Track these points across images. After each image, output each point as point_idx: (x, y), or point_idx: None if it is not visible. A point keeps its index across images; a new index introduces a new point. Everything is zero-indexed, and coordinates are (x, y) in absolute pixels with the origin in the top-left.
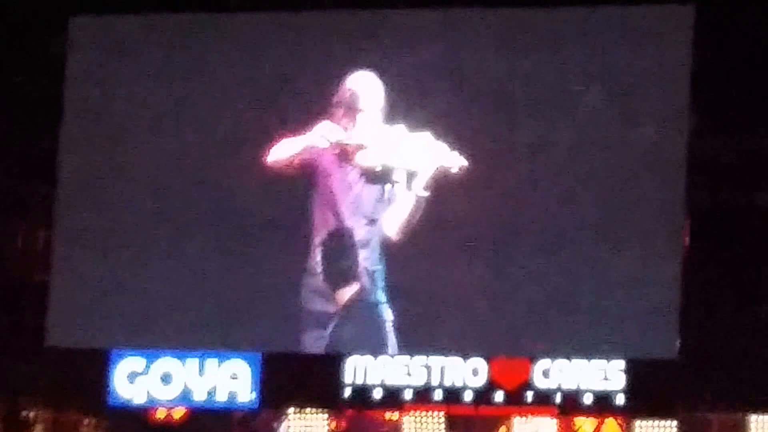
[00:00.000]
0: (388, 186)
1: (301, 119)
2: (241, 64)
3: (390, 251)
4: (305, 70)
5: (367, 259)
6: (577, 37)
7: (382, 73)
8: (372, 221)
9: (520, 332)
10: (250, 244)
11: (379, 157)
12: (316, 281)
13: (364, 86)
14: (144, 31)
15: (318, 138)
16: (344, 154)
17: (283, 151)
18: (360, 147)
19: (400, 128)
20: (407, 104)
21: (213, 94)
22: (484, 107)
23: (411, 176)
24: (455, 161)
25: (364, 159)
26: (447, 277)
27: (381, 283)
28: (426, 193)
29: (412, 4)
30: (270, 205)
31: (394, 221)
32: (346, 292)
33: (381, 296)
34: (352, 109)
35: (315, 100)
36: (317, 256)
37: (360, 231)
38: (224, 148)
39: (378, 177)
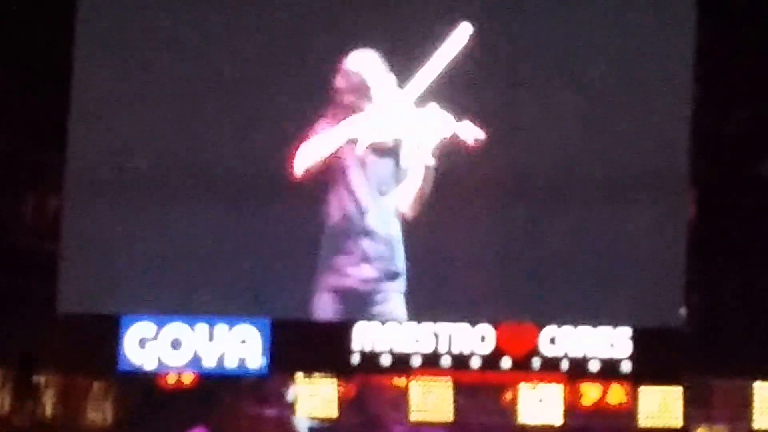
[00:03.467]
0: (399, 159)
1: (302, 103)
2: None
3: (403, 223)
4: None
5: (384, 236)
6: (579, 7)
7: (382, 50)
8: (386, 196)
9: (527, 299)
10: (261, 209)
11: (389, 131)
12: (334, 258)
13: (366, 66)
14: None
15: (348, 140)
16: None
17: (311, 159)
18: (372, 126)
19: (408, 98)
20: (412, 77)
21: (223, 56)
22: (487, 73)
23: (420, 147)
24: (466, 131)
25: (376, 137)
26: (454, 244)
27: (400, 255)
28: (433, 162)
29: None
30: (281, 170)
31: (407, 195)
32: (364, 270)
33: (400, 267)
34: (357, 93)
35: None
36: (333, 235)
37: (375, 208)
38: (236, 113)
39: (389, 151)
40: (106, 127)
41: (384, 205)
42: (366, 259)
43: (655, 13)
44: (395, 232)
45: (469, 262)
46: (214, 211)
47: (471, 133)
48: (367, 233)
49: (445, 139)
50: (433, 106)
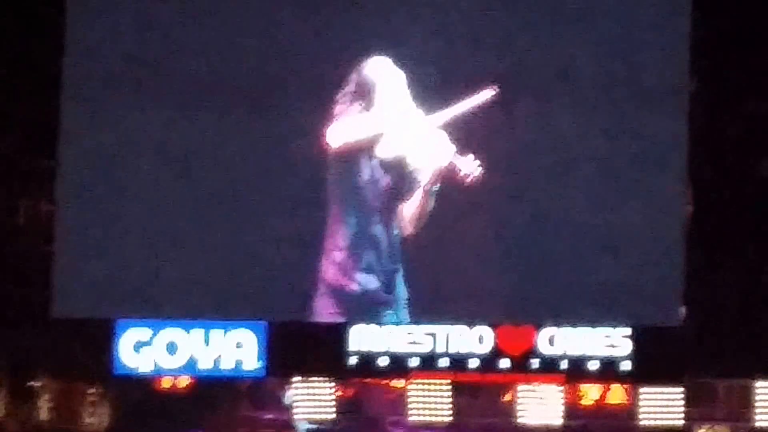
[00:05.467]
0: (402, 177)
1: (314, 102)
2: (251, 30)
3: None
4: (318, 51)
5: (388, 248)
6: (576, 7)
7: (398, 57)
8: (390, 212)
9: (525, 300)
10: (256, 212)
11: (395, 148)
12: (341, 256)
13: (381, 73)
14: None
15: (388, 122)
16: (368, 143)
17: (350, 134)
18: (379, 136)
19: (418, 116)
20: (423, 87)
21: (220, 61)
22: (488, 75)
23: (423, 169)
24: (466, 165)
25: (382, 150)
26: (453, 248)
27: (400, 274)
28: (436, 188)
29: None
30: (279, 174)
31: (407, 213)
32: (368, 279)
33: (400, 284)
34: (369, 98)
35: (329, 85)
36: (339, 238)
37: (379, 220)
38: (231, 113)
39: (393, 168)
40: (98, 132)
41: (386, 218)
42: (368, 268)
43: (650, 12)
44: (396, 243)
45: (467, 265)
46: (208, 214)
47: (470, 166)
48: (371, 243)
49: (446, 167)
50: (441, 134)
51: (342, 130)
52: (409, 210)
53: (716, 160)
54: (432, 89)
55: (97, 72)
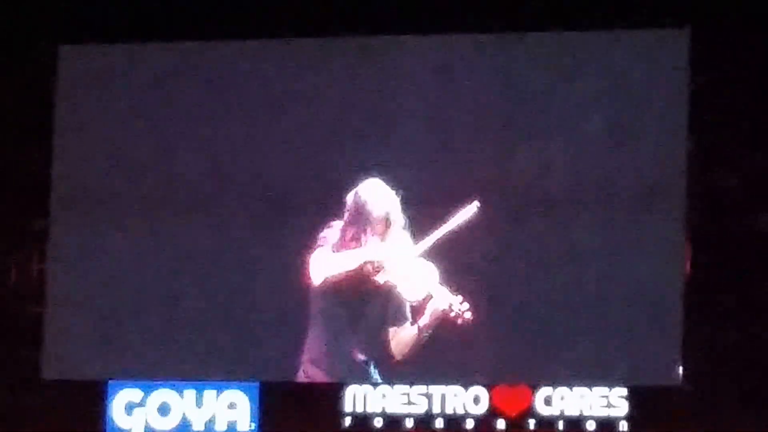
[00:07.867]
0: (390, 305)
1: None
2: (235, 99)
3: None
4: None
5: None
6: (570, 64)
7: (390, 178)
8: (374, 337)
9: (521, 361)
10: (247, 275)
11: (386, 274)
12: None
13: (373, 197)
14: (135, 60)
15: (377, 255)
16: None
17: (333, 269)
18: (368, 264)
19: (408, 242)
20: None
21: (206, 125)
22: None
23: (415, 309)
24: (456, 306)
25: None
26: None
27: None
28: (428, 333)
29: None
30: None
31: (397, 343)
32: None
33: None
34: (360, 224)
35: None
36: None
37: (361, 344)
38: (218, 180)
39: (382, 294)
40: (89, 192)
41: (371, 346)
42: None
43: (647, 69)
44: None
45: (461, 325)
46: (200, 276)
47: (459, 307)
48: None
49: (439, 310)
50: (432, 268)
51: (327, 262)
52: (400, 340)
53: (715, 218)
54: (421, 208)
55: (88, 129)
